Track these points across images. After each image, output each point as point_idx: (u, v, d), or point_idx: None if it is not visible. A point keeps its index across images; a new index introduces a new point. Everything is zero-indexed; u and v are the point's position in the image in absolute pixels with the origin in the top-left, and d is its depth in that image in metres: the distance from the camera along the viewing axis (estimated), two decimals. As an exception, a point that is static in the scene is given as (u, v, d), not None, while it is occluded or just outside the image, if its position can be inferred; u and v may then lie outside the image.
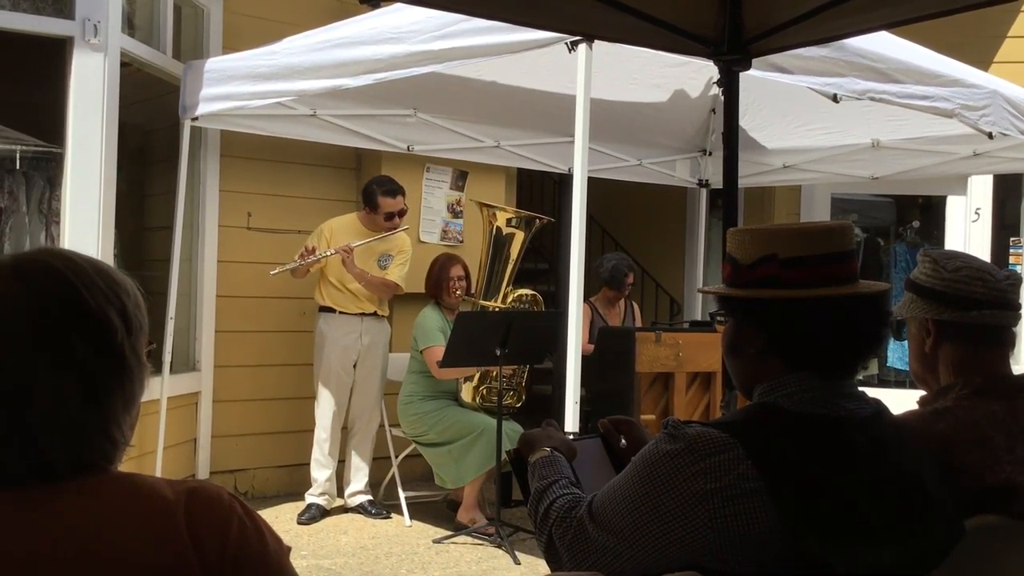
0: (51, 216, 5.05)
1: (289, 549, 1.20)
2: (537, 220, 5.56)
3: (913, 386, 2.10)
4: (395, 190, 5.41)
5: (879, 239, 8.66)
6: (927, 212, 8.28)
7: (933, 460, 1.67)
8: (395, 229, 5.44)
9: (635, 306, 6.61)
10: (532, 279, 7.56)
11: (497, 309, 5.39)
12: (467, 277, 5.48)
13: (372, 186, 5.45)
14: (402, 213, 5.46)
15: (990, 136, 4.84)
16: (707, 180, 7.17)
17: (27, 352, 1.12)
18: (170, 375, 5.16)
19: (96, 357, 1.14)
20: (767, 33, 3.00)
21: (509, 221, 5.44)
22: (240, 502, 1.18)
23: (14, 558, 1.08)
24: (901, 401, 2.01)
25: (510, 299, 5.51)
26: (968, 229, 7.34)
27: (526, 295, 5.62)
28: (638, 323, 6.47)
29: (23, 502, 1.11)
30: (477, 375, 5.40)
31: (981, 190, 7.31)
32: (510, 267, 5.46)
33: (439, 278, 5.44)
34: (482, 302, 5.46)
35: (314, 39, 4.61)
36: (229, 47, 5.50)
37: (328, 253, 5.25)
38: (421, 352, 5.34)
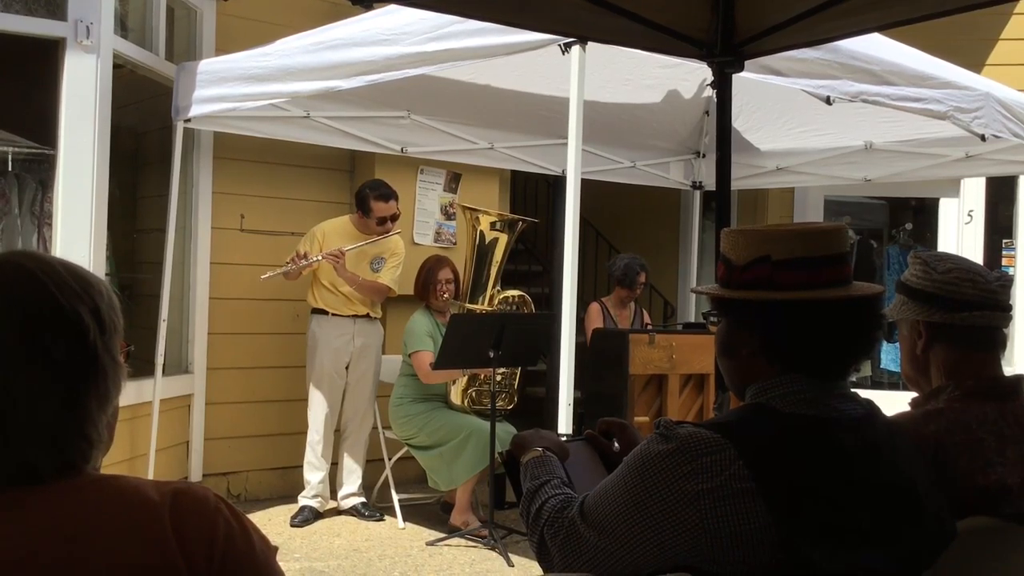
0: (43, 218, 5.03)
1: (276, 549, 1.20)
2: (521, 222, 5.57)
3: (905, 388, 2.10)
4: (388, 194, 5.41)
5: (872, 241, 8.68)
6: (920, 214, 8.31)
7: (925, 462, 1.67)
8: (387, 233, 5.43)
9: (645, 312, 6.62)
10: (526, 281, 7.56)
11: (484, 311, 5.39)
12: (456, 280, 5.47)
13: (365, 190, 5.44)
14: (395, 217, 5.45)
15: (983, 138, 4.86)
16: (700, 182, 7.19)
17: (3, 353, 1.11)
18: (163, 377, 5.15)
19: (69, 356, 1.14)
20: (760, 35, 3.01)
21: (493, 224, 5.45)
22: (226, 503, 1.17)
23: None
24: (893, 403, 2.01)
25: (496, 301, 5.51)
26: (961, 231, 7.36)
27: (513, 296, 5.62)
28: None
29: (5, 504, 1.11)
30: (465, 378, 5.39)
31: (974, 192, 7.33)
32: (495, 269, 5.47)
33: (427, 281, 5.44)
34: (468, 305, 5.46)
35: (307, 41, 4.61)
36: (222, 49, 5.50)
37: (319, 258, 5.24)
38: (410, 356, 5.34)
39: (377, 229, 5.40)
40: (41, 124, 4.80)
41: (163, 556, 1.09)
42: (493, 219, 5.48)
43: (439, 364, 4.99)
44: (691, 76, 5.83)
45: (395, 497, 5.48)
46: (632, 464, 1.55)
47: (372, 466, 5.72)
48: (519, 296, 5.66)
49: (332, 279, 5.37)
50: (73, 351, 1.14)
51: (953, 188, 7.32)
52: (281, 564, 1.22)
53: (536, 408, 6.70)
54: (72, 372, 1.14)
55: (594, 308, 6.29)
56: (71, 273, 1.19)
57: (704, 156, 6.99)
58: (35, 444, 1.12)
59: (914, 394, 2.03)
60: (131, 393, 4.63)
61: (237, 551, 1.14)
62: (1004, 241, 7.45)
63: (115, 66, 4.75)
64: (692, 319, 7.36)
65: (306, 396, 5.50)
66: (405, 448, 5.52)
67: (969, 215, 7.34)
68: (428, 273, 5.45)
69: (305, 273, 5.37)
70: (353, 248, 5.31)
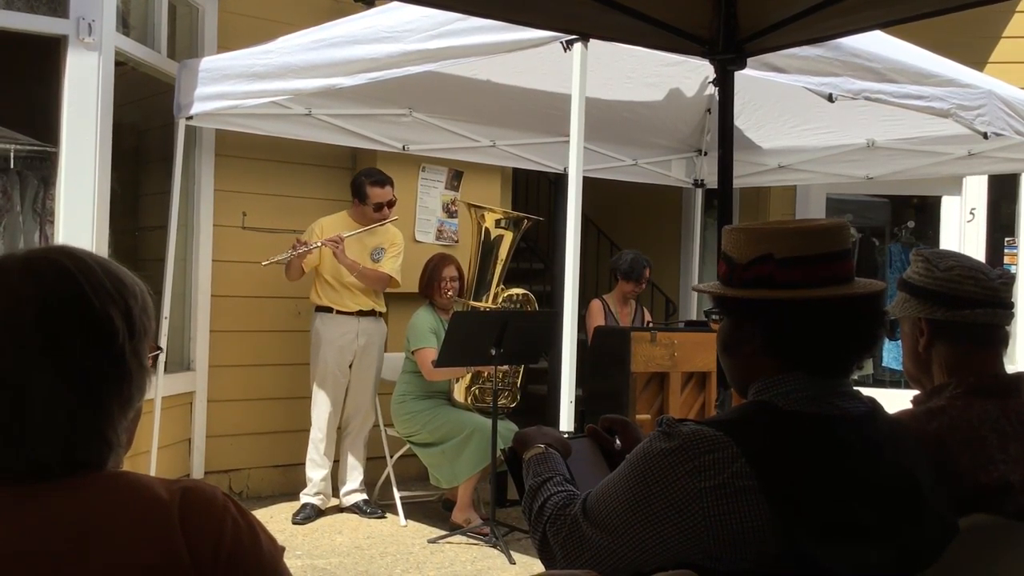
0: (45, 216, 5.03)
1: (283, 549, 1.20)
2: (526, 220, 5.57)
3: (908, 386, 2.10)
4: (383, 180, 5.41)
5: (874, 239, 8.67)
6: (922, 212, 8.30)
7: (927, 459, 1.67)
8: (385, 220, 5.42)
9: (645, 310, 6.62)
10: (528, 279, 7.56)
11: (487, 309, 5.38)
12: (460, 278, 5.47)
13: (360, 177, 5.46)
14: (391, 203, 5.45)
15: (985, 136, 4.85)
16: (702, 180, 7.18)
17: (25, 348, 1.12)
18: (165, 375, 5.16)
19: (95, 358, 1.14)
20: (762, 32, 3.01)
21: (498, 222, 5.44)
22: (234, 502, 1.18)
23: (5, 554, 1.08)
24: (895, 401, 2.00)
25: (500, 299, 5.50)
26: (963, 229, 7.36)
27: (517, 295, 5.62)
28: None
29: (15, 498, 1.11)
30: (468, 375, 5.39)
31: (976, 190, 7.32)
32: (500, 267, 5.46)
33: (432, 278, 5.44)
34: (472, 303, 5.46)
35: (309, 38, 4.60)
36: (224, 46, 5.50)
37: (319, 244, 5.24)
38: (413, 353, 5.34)
39: (375, 216, 5.40)
40: (43, 121, 4.80)
41: (170, 553, 1.09)
42: (498, 217, 5.48)
43: (441, 361, 4.99)
44: (693, 74, 5.82)
45: (397, 494, 5.48)
46: (634, 462, 1.55)
47: (374, 463, 5.72)
48: (523, 294, 5.65)
49: (334, 273, 5.36)
50: (100, 353, 1.15)
51: (955, 186, 7.32)
52: (283, 562, 1.22)
53: (538, 406, 6.70)
54: (97, 374, 1.15)
55: (595, 305, 6.30)
56: (108, 274, 1.19)
57: (706, 154, 6.99)
58: (50, 444, 1.12)
59: (916, 392, 2.03)
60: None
61: (244, 550, 1.14)
62: (1006, 239, 7.44)
63: (117, 63, 4.75)
64: (694, 317, 7.36)
65: (308, 393, 5.50)
66: (407, 446, 5.52)
67: (971, 213, 7.34)
68: (433, 271, 5.45)
69: (306, 263, 5.35)
70: (352, 234, 5.30)
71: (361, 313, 5.44)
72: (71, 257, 1.18)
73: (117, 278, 1.19)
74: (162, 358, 5.09)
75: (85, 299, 1.15)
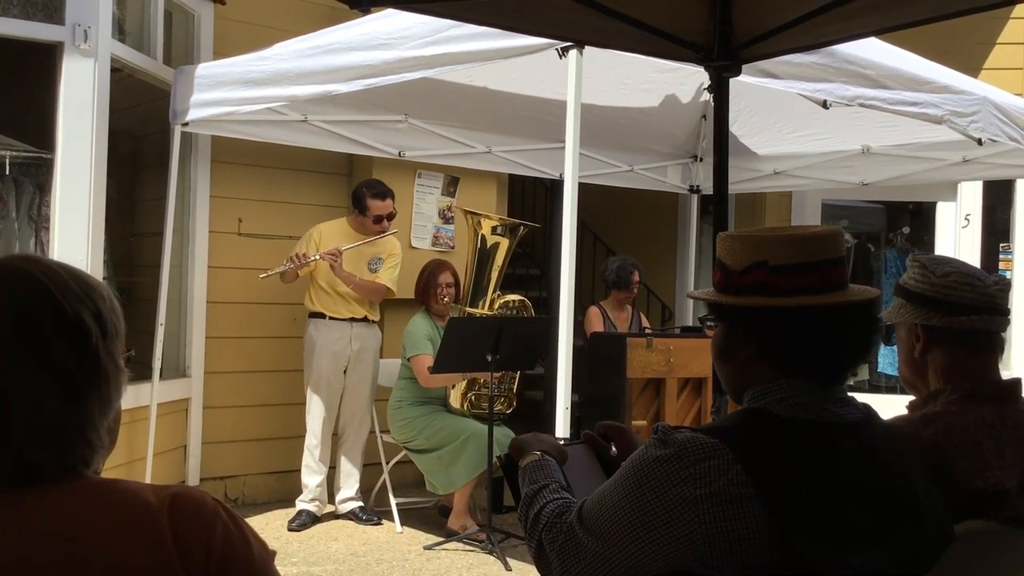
0: (41, 222, 5.03)
1: (274, 553, 1.20)
2: (522, 227, 5.57)
3: (904, 392, 2.10)
4: (384, 192, 5.41)
5: (869, 245, 8.68)
6: (917, 218, 8.31)
7: (923, 465, 1.67)
8: (384, 233, 5.43)
9: (642, 315, 6.63)
10: (524, 285, 7.56)
11: (483, 316, 5.38)
12: (456, 284, 5.47)
13: (361, 189, 5.45)
14: (391, 216, 5.45)
15: (979, 142, 4.86)
16: (698, 186, 7.20)
17: (7, 354, 1.12)
18: (160, 381, 5.15)
19: (72, 360, 1.15)
20: (757, 39, 3.01)
21: (494, 228, 5.44)
22: (224, 507, 1.18)
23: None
24: (891, 407, 2.01)
25: (496, 305, 5.50)
26: (958, 235, 7.37)
27: (514, 301, 5.61)
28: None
29: (7, 506, 1.11)
30: (464, 381, 5.38)
31: (971, 196, 7.34)
32: (496, 274, 5.46)
33: (427, 285, 5.44)
34: (468, 309, 5.45)
35: (305, 45, 4.61)
36: (220, 53, 5.50)
37: (316, 257, 5.24)
38: (409, 360, 5.33)
39: (374, 228, 5.40)
40: (39, 128, 4.79)
41: (161, 559, 1.09)
42: (495, 223, 5.48)
43: (437, 367, 4.99)
44: (688, 80, 5.83)
45: (393, 501, 5.47)
46: (630, 469, 1.55)
47: (370, 470, 5.71)
48: (519, 301, 5.65)
49: (329, 280, 5.36)
50: (75, 354, 1.15)
51: (950, 192, 7.33)
52: (279, 568, 1.22)
53: (534, 412, 6.70)
54: (74, 375, 1.15)
55: (593, 312, 6.30)
56: (73, 277, 1.20)
57: (701, 160, 7.00)
58: (38, 445, 1.13)
59: (911, 397, 2.03)
60: (128, 397, 4.59)
61: (235, 555, 1.14)
62: (1001, 245, 7.46)
63: (113, 70, 4.75)
64: (690, 323, 7.35)
65: (303, 400, 5.49)
66: (403, 452, 5.51)
67: (966, 219, 7.35)
68: (429, 277, 5.45)
69: (302, 274, 5.36)
70: (350, 247, 5.30)
71: (354, 320, 5.44)
72: (34, 263, 1.20)
73: (83, 280, 1.20)
74: (157, 365, 5.09)
75: (55, 302, 1.15)
